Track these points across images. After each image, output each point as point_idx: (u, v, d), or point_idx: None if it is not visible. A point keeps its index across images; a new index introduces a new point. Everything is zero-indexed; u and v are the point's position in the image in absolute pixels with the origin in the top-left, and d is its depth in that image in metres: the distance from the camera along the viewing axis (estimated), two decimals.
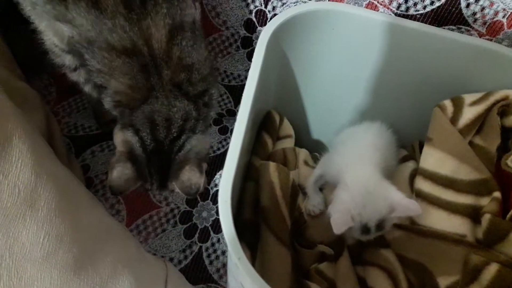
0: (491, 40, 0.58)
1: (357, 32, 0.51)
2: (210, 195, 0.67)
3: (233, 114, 0.76)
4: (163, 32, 0.46)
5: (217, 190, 0.63)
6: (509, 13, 0.55)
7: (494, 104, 0.48)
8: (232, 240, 0.34)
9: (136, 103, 0.49)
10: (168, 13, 0.46)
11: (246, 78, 0.57)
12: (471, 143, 0.49)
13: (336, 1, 0.56)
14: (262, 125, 0.56)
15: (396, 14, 0.58)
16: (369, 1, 0.58)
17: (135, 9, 0.45)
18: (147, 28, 0.46)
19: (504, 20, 0.56)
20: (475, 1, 0.55)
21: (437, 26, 0.54)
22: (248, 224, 0.48)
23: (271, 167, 0.48)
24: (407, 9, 0.57)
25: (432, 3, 0.56)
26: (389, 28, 0.49)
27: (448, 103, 0.50)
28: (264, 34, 0.47)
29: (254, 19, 0.66)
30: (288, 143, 0.56)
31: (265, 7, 0.64)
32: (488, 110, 0.48)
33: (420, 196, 0.49)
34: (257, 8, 0.65)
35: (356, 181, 0.43)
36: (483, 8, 0.55)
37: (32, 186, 0.36)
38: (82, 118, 0.77)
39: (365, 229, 0.43)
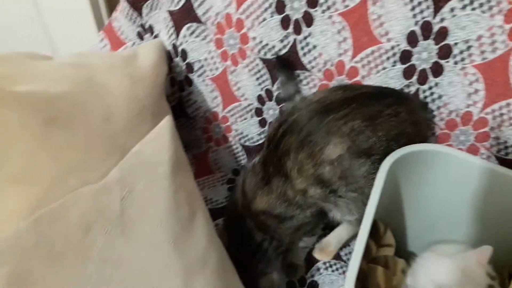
0: None
1: (458, 170, 0.63)
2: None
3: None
4: None
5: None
6: None
7: None
8: None
9: None
10: None
11: None
12: None
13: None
14: (370, 232, 0.67)
15: (496, 157, 0.68)
16: (472, 143, 0.70)
17: None
18: None
19: None
20: None
21: None
22: None
23: (378, 271, 0.59)
24: (507, 154, 0.68)
25: None
26: (484, 171, 0.61)
27: None
28: (386, 163, 0.61)
29: None
30: (389, 251, 0.67)
31: None
32: None
33: None
34: None
35: None
36: None
37: (206, 249, 0.52)
38: (212, 193, 0.96)
39: None
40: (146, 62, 0.77)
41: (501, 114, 0.65)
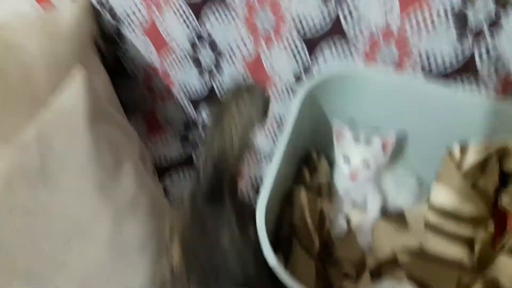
0: None
1: (378, 89, 0.65)
2: None
3: None
4: None
5: None
6: None
7: (495, 152, 0.59)
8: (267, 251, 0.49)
9: None
10: None
11: None
12: (475, 184, 0.60)
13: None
14: (303, 162, 0.71)
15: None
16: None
17: None
18: None
19: None
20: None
21: None
22: (285, 239, 0.62)
23: (302, 192, 0.63)
24: (431, 70, 0.70)
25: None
26: (402, 87, 0.64)
27: (456, 148, 0.62)
28: (301, 91, 0.64)
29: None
30: (324, 178, 0.70)
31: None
32: (490, 157, 0.59)
33: (428, 225, 0.61)
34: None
35: None
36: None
37: (136, 194, 0.55)
38: (166, 150, 0.99)
39: None
40: (66, 18, 0.76)
41: None
